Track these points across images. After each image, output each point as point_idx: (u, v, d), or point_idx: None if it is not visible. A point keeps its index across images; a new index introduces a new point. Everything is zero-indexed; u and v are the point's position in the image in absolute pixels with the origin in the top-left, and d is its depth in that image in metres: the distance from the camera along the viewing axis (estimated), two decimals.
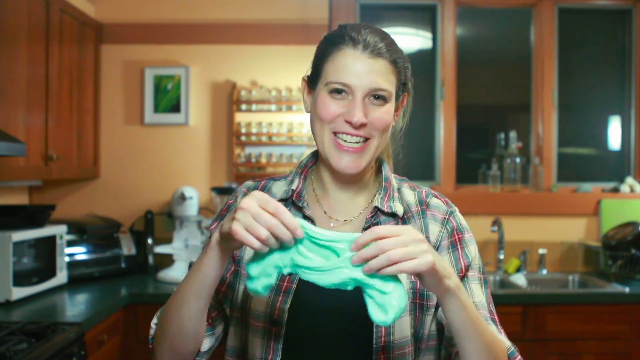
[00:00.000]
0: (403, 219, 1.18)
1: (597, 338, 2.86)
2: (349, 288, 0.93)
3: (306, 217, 1.17)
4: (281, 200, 1.19)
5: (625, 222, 3.30)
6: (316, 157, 1.24)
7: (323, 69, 1.13)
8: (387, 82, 1.11)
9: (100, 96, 3.45)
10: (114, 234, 3.20)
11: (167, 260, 3.27)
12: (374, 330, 1.09)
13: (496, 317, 1.13)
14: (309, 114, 1.19)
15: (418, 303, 1.12)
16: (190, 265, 1.16)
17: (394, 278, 0.92)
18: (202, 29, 3.48)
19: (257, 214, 0.91)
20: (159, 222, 3.43)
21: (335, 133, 1.11)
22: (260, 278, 0.94)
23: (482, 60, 3.79)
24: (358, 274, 0.91)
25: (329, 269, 0.92)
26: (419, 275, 0.94)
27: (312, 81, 1.17)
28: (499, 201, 3.49)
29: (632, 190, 3.49)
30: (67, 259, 2.92)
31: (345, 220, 1.19)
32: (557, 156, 3.61)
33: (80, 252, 3.04)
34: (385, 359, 1.08)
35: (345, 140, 1.10)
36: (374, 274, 0.91)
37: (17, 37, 2.52)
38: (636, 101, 3.62)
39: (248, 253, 1.19)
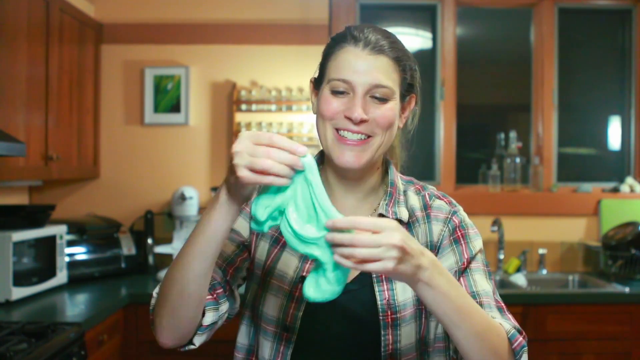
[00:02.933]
0: (408, 224, 1.18)
1: (597, 338, 2.86)
2: (309, 257, 0.94)
3: None
4: None
5: (625, 222, 3.30)
6: (322, 158, 1.23)
7: (326, 68, 1.14)
8: (388, 79, 1.10)
9: (100, 96, 3.45)
10: (114, 234, 3.20)
11: (167, 260, 3.27)
12: (382, 339, 1.10)
13: (502, 305, 1.13)
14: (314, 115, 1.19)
15: (422, 309, 1.13)
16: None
17: (345, 272, 0.92)
18: (202, 29, 3.47)
19: (253, 150, 0.89)
20: (159, 222, 3.43)
21: (337, 129, 1.11)
22: (268, 221, 0.93)
23: (482, 60, 3.79)
24: (324, 255, 0.91)
25: (303, 240, 0.91)
26: None
27: (318, 81, 1.17)
28: (499, 201, 3.49)
29: (632, 190, 3.49)
30: (67, 259, 2.92)
31: None
32: (557, 156, 3.61)
33: (80, 252, 3.04)
34: None
35: (346, 137, 1.10)
36: (330, 256, 0.91)
37: (17, 37, 2.52)
38: (636, 101, 3.62)
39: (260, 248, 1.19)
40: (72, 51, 3.05)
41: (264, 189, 0.93)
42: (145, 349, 2.78)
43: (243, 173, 0.89)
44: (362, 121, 1.08)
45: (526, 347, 1.07)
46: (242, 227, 1.20)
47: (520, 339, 1.07)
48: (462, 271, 1.14)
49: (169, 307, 1.05)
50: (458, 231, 1.17)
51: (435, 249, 1.17)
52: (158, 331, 1.08)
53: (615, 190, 3.52)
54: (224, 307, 1.13)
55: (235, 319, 1.22)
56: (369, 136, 1.10)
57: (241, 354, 1.21)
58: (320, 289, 0.92)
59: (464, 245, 1.16)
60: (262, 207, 0.92)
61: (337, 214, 0.91)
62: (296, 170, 0.91)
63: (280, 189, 0.92)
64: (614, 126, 3.71)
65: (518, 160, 3.52)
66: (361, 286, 1.13)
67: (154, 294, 1.12)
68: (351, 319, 1.11)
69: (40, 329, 2.09)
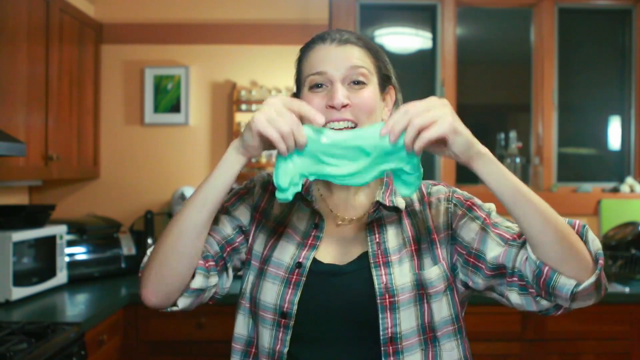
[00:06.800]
0: (407, 212, 1.20)
1: (597, 338, 2.86)
2: (381, 176, 1.01)
3: (314, 212, 1.19)
4: None
5: (625, 222, 3.30)
6: None
7: (301, 71, 1.18)
8: (361, 60, 1.14)
9: (100, 96, 3.45)
10: (114, 234, 3.20)
11: None
12: (380, 322, 1.10)
13: None
14: None
15: (422, 294, 1.13)
16: None
17: (417, 159, 0.99)
18: (202, 29, 3.48)
19: (281, 110, 0.97)
20: (159, 222, 3.43)
21: (325, 125, 1.11)
22: (290, 188, 0.98)
23: (482, 60, 3.80)
24: (391, 165, 0.98)
25: (361, 171, 0.98)
26: (447, 142, 0.95)
27: (298, 91, 1.21)
28: (499, 201, 3.48)
29: (632, 190, 3.49)
30: (67, 259, 2.92)
31: (351, 219, 1.21)
32: (557, 156, 3.61)
33: (80, 252, 3.04)
34: (394, 350, 1.10)
35: (333, 127, 1.11)
36: (405, 158, 0.97)
37: (17, 37, 2.52)
38: (636, 101, 3.62)
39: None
40: (72, 51, 3.05)
41: (281, 157, 0.99)
42: (145, 349, 2.78)
43: (260, 117, 0.96)
44: (345, 106, 1.11)
45: (587, 226, 1.07)
46: (243, 214, 1.23)
47: (577, 221, 1.08)
48: (486, 226, 1.14)
49: (159, 258, 1.08)
50: (467, 202, 1.20)
51: (448, 228, 1.18)
52: (144, 285, 1.10)
53: (615, 190, 3.52)
54: (213, 280, 1.15)
55: (233, 311, 1.23)
56: (355, 124, 1.12)
57: (240, 344, 1.21)
58: (410, 184, 0.99)
59: (478, 210, 1.18)
60: (282, 175, 0.98)
61: (376, 127, 0.98)
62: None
63: (293, 156, 0.99)
64: (614, 126, 3.72)
65: (518, 160, 3.52)
66: (358, 269, 1.13)
67: (148, 252, 1.15)
68: (348, 303, 1.12)
69: (40, 329, 2.09)
